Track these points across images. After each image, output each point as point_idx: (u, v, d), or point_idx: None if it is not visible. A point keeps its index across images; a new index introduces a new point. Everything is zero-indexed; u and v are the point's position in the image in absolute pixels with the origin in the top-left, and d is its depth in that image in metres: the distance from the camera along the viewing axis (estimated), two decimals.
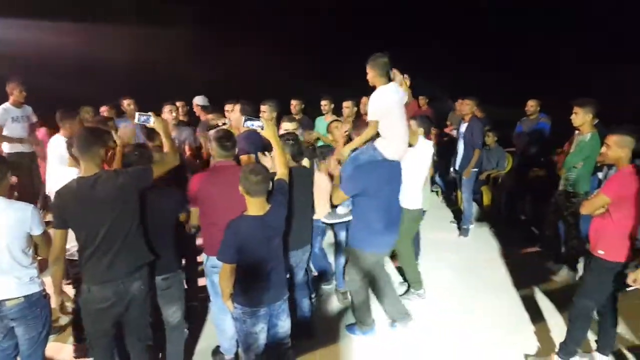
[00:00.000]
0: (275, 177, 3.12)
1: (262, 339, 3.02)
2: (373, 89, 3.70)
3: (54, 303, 2.92)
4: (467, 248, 5.94)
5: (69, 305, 2.97)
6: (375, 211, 3.65)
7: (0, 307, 2.80)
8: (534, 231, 6.20)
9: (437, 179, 7.80)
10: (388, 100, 3.61)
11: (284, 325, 3.14)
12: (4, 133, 5.66)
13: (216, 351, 3.78)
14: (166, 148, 3.17)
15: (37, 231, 2.85)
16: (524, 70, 13.26)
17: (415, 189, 4.34)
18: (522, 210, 6.87)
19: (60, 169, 3.78)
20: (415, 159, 4.22)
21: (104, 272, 2.80)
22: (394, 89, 3.66)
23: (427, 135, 4.40)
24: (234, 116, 4.76)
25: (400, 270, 5.10)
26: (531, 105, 6.75)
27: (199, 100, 6.49)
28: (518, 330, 4.11)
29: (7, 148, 5.78)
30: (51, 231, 2.82)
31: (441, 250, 5.80)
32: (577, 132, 4.62)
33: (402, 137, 3.71)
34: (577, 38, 12.85)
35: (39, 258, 2.97)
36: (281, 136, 3.66)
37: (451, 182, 7.63)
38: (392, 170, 3.74)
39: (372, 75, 3.66)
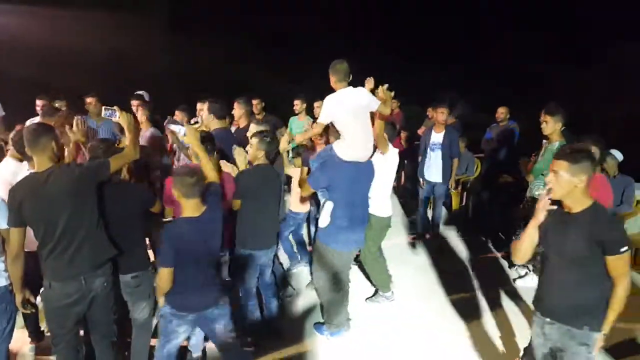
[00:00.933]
0: (206, 181, 3.06)
1: (182, 338, 2.98)
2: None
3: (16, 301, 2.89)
4: (434, 252, 6.02)
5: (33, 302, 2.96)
6: (338, 208, 3.73)
7: None
8: (501, 236, 6.37)
9: (408, 183, 7.90)
10: (335, 104, 3.63)
11: (225, 329, 3.02)
12: None
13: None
14: (127, 142, 3.12)
15: (2, 224, 2.81)
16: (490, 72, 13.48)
17: (383, 196, 4.38)
18: (490, 215, 7.04)
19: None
20: (383, 165, 4.23)
21: (65, 268, 2.76)
22: (348, 92, 3.65)
23: (391, 141, 4.40)
24: (204, 115, 4.70)
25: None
26: (501, 112, 6.93)
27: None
28: (482, 332, 4.21)
29: None
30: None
31: (407, 255, 5.91)
32: (545, 141, 4.73)
33: (358, 140, 3.68)
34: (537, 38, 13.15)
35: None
36: (258, 132, 3.73)
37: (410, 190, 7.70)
38: (358, 171, 3.75)
39: (332, 80, 3.70)
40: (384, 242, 4.69)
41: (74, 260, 2.77)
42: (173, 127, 3.27)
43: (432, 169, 5.99)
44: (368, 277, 5.05)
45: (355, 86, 3.71)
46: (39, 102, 5.57)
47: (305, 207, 4.89)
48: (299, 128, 6.72)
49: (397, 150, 4.43)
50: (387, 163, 4.27)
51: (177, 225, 2.81)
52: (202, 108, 5.15)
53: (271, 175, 3.76)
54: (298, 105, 7.04)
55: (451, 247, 6.27)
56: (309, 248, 5.34)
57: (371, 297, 4.80)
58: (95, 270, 2.85)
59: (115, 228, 2.99)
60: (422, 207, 6.32)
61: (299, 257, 5.23)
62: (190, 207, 2.79)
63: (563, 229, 2.47)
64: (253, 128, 4.26)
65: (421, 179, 6.15)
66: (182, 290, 2.82)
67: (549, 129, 4.52)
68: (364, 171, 3.84)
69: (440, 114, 5.85)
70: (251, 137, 3.73)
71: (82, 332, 3.18)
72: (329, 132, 4.25)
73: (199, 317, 2.93)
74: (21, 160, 3.35)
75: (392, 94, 3.79)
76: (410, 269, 5.47)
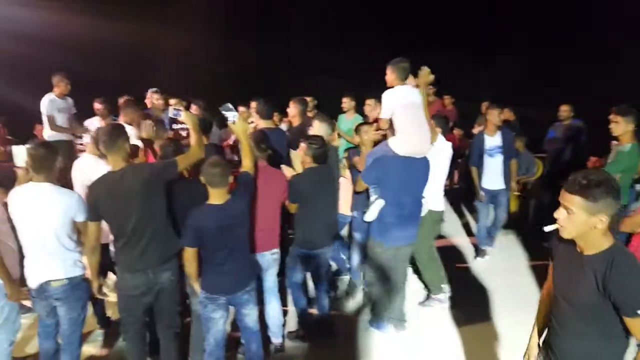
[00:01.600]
0: (241, 169, 3.25)
1: (221, 325, 3.17)
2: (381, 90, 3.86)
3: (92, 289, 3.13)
4: (490, 255, 5.84)
5: (107, 291, 3.21)
6: (388, 204, 3.77)
7: (46, 287, 2.99)
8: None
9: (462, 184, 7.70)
10: (397, 100, 3.77)
11: (250, 313, 3.26)
12: (57, 122, 5.88)
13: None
14: (192, 141, 3.27)
15: (80, 217, 3.01)
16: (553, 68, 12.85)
17: (435, 190, 4.34)
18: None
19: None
20: (434, 159, 4.18)
21: (136, 261, 2.99)
22: (407, 90, 3.81)
23: (444, 135, 4.44)
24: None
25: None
26: (564, 110, 6.62)
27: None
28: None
29: (47, 136, 5.93)
30: None
31: (463, 258, 5.75)
32: (615, 142, 4.47)
33: (414, 135, 3.77)
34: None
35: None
36: (307, 138, 3.81)
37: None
38: (411, 168, 3.79)
39: (392, 77, 3.82)
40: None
41: (143, 254, 2.99)
42: (226, 113, 3.32)
43: (492, 176, 5.55)
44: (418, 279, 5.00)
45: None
46: (98, 106, 5.87)
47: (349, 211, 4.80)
48: (347, 126, 6.68)
49: (450, 144, 4.39)
50: (438, 155, 4.23)
51: (201, 211, 2.97)
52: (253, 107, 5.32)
53: (325, 176, 3.84)
54: (346, 102, 6.98)
55: (509, 250, 6.05)
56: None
57: (424, 301, 4.72)
58: (162, 264, 3.05)
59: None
60: (482, 219, 5.78)
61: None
62: (215, 195, 2.98)
63: (573, 272, 1.95)
64: (317, 126, 4.30)
65: (481, 192, 5.62)
66: (213, 274, 3.06)
67: (619, 129, 4.27)
68: (418, 169, 3.86)
69: (494, 116, 5.48)
70: (301, 142, 3.81)
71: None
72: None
73: (230, 299, 3.13)
74: (100, 157, 3.63)
75: (432, 77, 3.90)
76: (467, 272, 5.32)
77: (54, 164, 2.95)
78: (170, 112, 3.47)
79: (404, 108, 3.76)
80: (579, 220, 1.85)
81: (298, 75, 12.07)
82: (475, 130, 7.97)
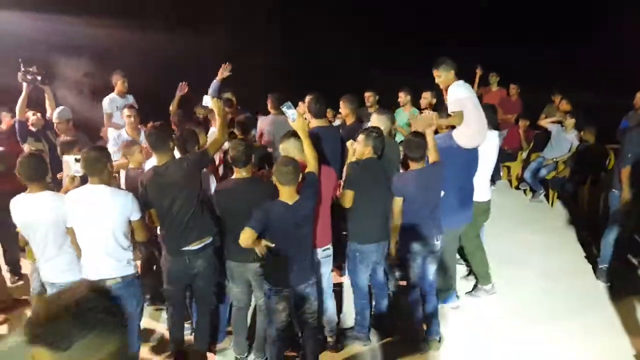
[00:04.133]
0: (306, 170, 3.35)
1: (285, 317, 3.37)
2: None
3: None
4: (556, 253, 5.68)
5: None
6: (451, 190, 4.03)
7: (102, 284, 3.16)
8: (638, 239, 5.80)
9: (526, 175, 7.49)
10: (463, 93, 4.06)
11: (310, 307, 3.42)
12: (113, 120, 6.28)
13: None
14: (217, 126, 3.64)
15: (136, 216, 3.27)
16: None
17: (481, 180, 4.43)
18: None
19: None
20: (481, 152, 4.30)
21: (177, 242, 3.48)
22: (466, 85, 4.12)
23: (492, 124, 4.42)
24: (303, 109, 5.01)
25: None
26: None
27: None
28: (605, 348, 3.91)
29: (111, 134, 6.31)
30: None
31: (527, 253, 5.62)
32: None
33: (477, 127, 4.09)
34: None
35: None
36: (366, 129, 3.85)
37: (544, 181, 7.33)
38: (468, 157, 4.19)
39: (449, 75, 4.11)
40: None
41: (182, 235, 3.45)
42: (286, 111, 3.48)
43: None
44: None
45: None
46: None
47: None
48: (404, 120, 6.72)
49: (496, 133, 4.43)
50: (484, 146, 4.27)
51: (273, 204, 3.18)
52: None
53: (379, 169, 3.85)
54: (402, 97, 7.03)
55: (575, 248, 5.86)
56: None
57: (471, 291, 4.76)
58: (197, 252, 3.50)
59: (242, 221, 3.21)
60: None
61: None
62: (285, 193, 3.17)
63: None
64: (375, 120, 4.41)
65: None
66: (278, 268, 3.27)
67: None
68: (475, 157, 4.26)
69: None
70: (358, 134, 3.85)
71: None
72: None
73: (292, 292, 3.31)
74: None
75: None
76: (525, 269, 5.21)
77: (106, 166, 3.16)
78: (203, 101, 3.81)
79: (470, 101, 4.06)
80: None
81: (352, 70, 12.15)
82: (544, 123, 7.72)
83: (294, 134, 3.55)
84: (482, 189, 4.46)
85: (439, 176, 3.84)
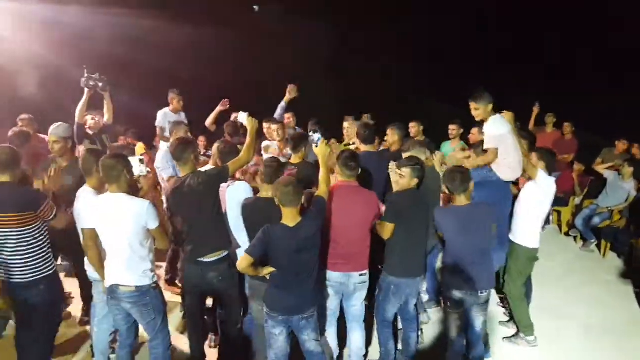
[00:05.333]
0: (316, 194, 3.35)
1: (282, 341, 3.32)
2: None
3: None
4: (605, 308, 5.34)
5: None
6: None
7: (116, 289, 3.32)
8: None
9: (578, 222, 7.17)
10: (501, 128, 4.13)
11: (309, 339, 3.35)
12: (165, 134, 6.50)
13: None
14: (246, 145, 3.70)
15: (152, 225, 3.30)
16: None
17: (533, 226, 4.29)
18: None
19: None
20: (535, 194, 4.21)
21: (193, 251, 3.55)
22: (503, 120, 4.17)
23: (550, 170, 4.32)
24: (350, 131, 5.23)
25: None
26: None
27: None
28: None
29: (162, 147, 6.50)
30: None
31: (573, 305, 5.34)
32: None
33: (517, 161, 4.17)
34: None
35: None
36: (407, 159, 3.84)
37: (596, 230, 6.99)
38: (505, 191, 4.36)
39: (486, 109, 4.15)
40: (542, 284, 4.47)
41: (197, 245, 3.54)
42: (313, 135, 3.64)
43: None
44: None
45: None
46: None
47: None
48: (451, 152, 6.62)
49: (553, 180, 4.26)
50: (539, 191, 4.18)
51: (273, 229, 3.15)
52: (349, 126, 5.68)
53: (421, 201, 3.79)
54: (455, 130, 6.96)
55: (629, 303, 5.50)
56: None
57: (511, 337, 4.55)
58: (211, 266, 3.54)
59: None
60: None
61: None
62: (286, 215, 3.15)
63: None
64: (413, 151, 4.38)
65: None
66: (274, 291, 3.27)
67: None
68: (507, 192, 4.43)
69: None
70: (401, 167, 3.78)
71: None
72: None
73: (287, 321, 3.27)
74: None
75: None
76: (572, 322, 4.94)
77: (122, 174, 3.21)
78: (238, 117, 3.97)
79: (507, 136, 4.12)
80: None
81: (404, 99, 12.15)
82: (600, 168, 7.42)
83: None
84: (533, 235, 4.30)
85: (485, 217, 3.61)
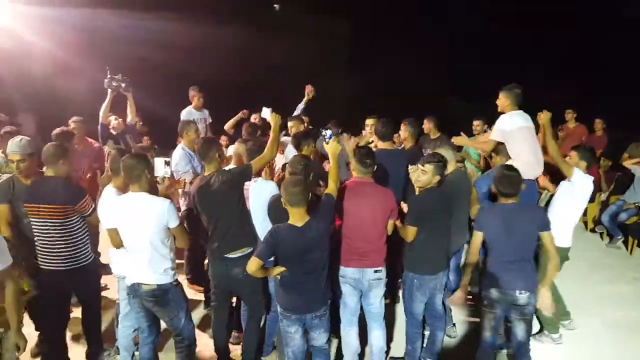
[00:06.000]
0: (325, 191, 3.34)
1: (298, 339, 3.36)
2: None
3: None
4: (631, 305, 5.24)
5: None
6: None
7: (137, 287, 3.38)
8: None
9: (604, 218, 7.02)
10: (514, 124, 4.18)
11: (319, 338, 3.40)
12: None
13: None
14: (270, 141, 3.73)
15: (173, 224, 3.34)
16: None
17: (567, 226, 4.25)
18: None
19: None
20: (570, 193, 4.16)
21: (217, 248, 3.63)
22: (522, 115, 4.21)
23: (589, 169, 4.26)
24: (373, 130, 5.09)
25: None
26: None
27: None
28: None
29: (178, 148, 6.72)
30: None
31: (598, 302, 5.25)
32: None
33: (529, 160, 4.24)
34: None
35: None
36: (431, 155, 3.81)
37: (623, 226, 6.84)
38: (527, 189, 4.04)
39: (505, 102, 4.29)
40: (567, 280, 4.45)
41: (221, 242, 3.61)
42: (324, 131, 3.76)
43: None
44: None
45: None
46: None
47: None
48: (474, 150, 6.58)
49: (591, 178, 4.18)
50: (575, 190, 4.13)
51: (280, 229, 3.15)
52: (370, 124, 5.55)
53: (443, 198, 3.77)
54: (479, 126, 6.91)
55: None
56: None
57: (535, 334, 4.42)
58: (235, 261, 3.60)
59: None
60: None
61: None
62: (294, 215, 3.14)
63: None
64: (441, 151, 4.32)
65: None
66: (285, 291, 3.29)
67: None
68: (529, 190, 4.25)
69: None
70: (424, 163, 3.74)
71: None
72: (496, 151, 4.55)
73: (300, 319, 3.30)
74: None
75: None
76: (598, 321, 4.85)
77: (143, 174, 3.25)
78: (262, 112, 4.07)
79: (522, 133, 4.16)
80: None
81: (425, 96, 12.08)
82: (627, 163, 7.24)
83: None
84: (567, 234, 4.24)
85: (530, 219, 3.48)
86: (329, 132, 3.72)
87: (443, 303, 4.00)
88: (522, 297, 3.41)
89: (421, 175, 3.70)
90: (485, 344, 3.63)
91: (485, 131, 6.87)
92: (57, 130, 4.86)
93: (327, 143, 3.66)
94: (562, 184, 4.23)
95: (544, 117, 4.25)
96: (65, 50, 8.34)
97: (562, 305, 4.48)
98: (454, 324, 4.61)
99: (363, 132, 5.60)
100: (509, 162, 4.10)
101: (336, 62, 12.94)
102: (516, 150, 4.20)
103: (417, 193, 3.77)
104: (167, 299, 3.40)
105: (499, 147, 4.51)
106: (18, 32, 7.82)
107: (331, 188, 3.40)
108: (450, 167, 4.23)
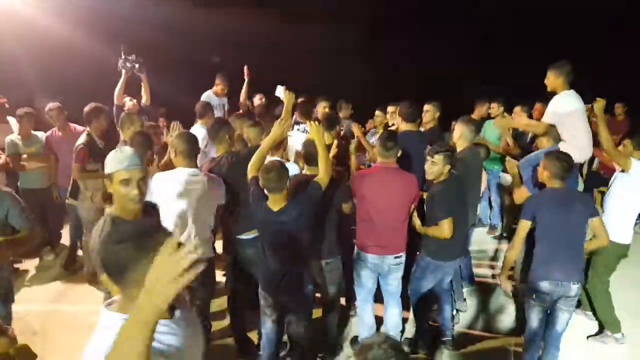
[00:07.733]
0: (315, 178, 3.25)
1: (270, 322, 3.37)
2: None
3: None
4: None
5: None
6: None
7: None
8: None
9: None
10: (569, 105, 3.98)
11: (298, 325, 3.40)
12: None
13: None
14: (280, 118, 3.61)
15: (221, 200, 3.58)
16: None
17: (626, 221, 4.05)
18: None
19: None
20: (628, 186, 3.98)
21: (231, 232, 3.80)
22: (575, 97, 4.01)
23: None
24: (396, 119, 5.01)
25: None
26: None
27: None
28: None
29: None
30: None
31: None
32: None
33: (583, 143, 4.05)
34: None
35: None
36: (438, 145, 3.71)
37: None
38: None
39: (558, 81, 4.04)
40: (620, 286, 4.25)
41: (236, 222, 3.72)
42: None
43: None
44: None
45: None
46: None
47: None
48: (494, 133, 6.45)
49: None
50: (633, 182, 3.95)
51: (259, 207, 3.19)
52: (394, 111, 5.54)
53: (459, 187, 3.75)
54: (495, 108, 6.77)
55: None
56: None
57: (595, 334, 4.28)
58: (249, 242, 3.67)
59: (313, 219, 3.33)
60: None
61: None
62: (271, 199, 3.15)
63: None
64: (459, 130, 4.36)
65: None
66: (265, 272, 3.34)
67: None
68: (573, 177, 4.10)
69: None
70: (433, 154, 3.64)
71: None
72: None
73: (279, 304, 3.33)
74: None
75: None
76: None
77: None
78: (276, 91, 4.03)
79: (577, 115, 3.98)
80: None
81: (445, 79, 11.94)
82: None
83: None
84: (625, 230, 4.03)
85: (583, 205, 3.36)
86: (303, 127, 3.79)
87: (451, 281, 4.05)
88: (575, 288, 3.31)
89: (432, 166, 3.64)
90: (536, 337, 3.52)
91: (502, 113, 6.74)
92: (89, 106, 4.84)
93: (308, 132, 3.71)
94: (618, 175, 4.07)
95: (598, 105, 3.94)
96: (81, 33, 8.40)
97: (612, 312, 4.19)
98: (464, 299, 4.64)
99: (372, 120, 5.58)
100: (564, 145, 4.01)
101: (352, 45, 12.80)
102: (571, 133, 4.03)
103: (435, 184, 3.70)
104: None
105: (549, 129, 4.29)
106: (34, 16, 7.88)
107: (321, 178, 3.26)
108: (464, 144, 4.20)
